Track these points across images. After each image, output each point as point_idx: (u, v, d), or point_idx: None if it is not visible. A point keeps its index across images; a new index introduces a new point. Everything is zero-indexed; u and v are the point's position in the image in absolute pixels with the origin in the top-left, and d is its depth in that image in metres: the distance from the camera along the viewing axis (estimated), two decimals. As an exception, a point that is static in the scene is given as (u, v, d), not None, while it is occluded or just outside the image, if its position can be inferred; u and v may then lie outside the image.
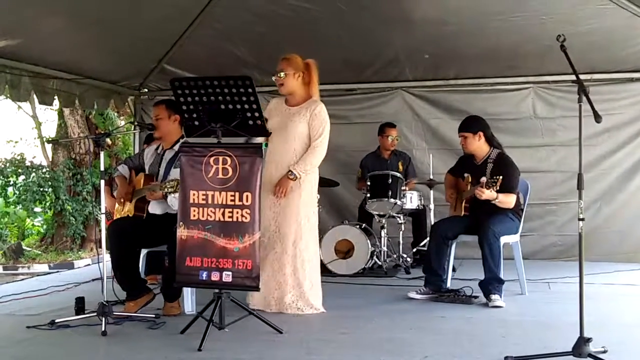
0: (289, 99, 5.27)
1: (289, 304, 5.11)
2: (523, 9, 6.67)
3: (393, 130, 7.79)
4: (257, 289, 4.47)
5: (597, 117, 3.66)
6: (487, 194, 5.35)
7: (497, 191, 5.38)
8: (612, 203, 7.84)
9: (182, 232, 4.46)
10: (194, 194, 4.46)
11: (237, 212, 4.32)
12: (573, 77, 3.83)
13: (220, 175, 4.39)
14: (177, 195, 4.93)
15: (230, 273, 4.34)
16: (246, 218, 4.29)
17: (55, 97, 7.29)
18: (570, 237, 7.73)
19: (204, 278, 4.42)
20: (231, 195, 4.34)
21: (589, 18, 6.69)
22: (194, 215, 4.45)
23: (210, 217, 4.42)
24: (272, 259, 5.14)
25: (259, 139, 4.99)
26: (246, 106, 4.43)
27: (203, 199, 4.43)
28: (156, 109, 5.44)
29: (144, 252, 5.56)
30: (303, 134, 5.16)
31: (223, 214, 4.37)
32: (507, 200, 5.54)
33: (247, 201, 4.32)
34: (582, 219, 3.75)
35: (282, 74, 5.13)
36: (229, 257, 4.34)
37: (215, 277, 4.39)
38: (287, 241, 5.13)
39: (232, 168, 4.37)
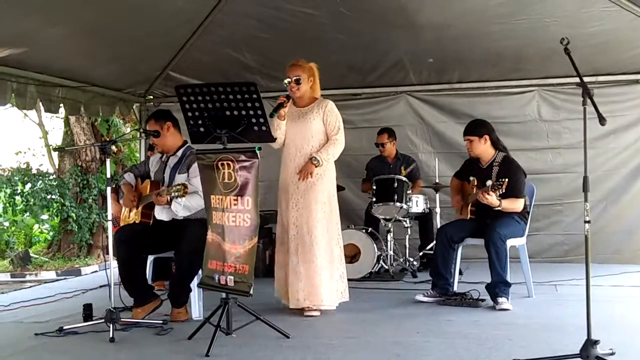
0: (298, 101, 5.43)
1: (321, 300, 5.23)
2: (526, 12, 6.68)
3: (381, 137, 7.79)
4: (248, 294, 4.40)
5: (602, 120, 3.67)
6: (490, 199, 5.36)
7: (503, 194, 5.38)
8: (618, 203, 7.83)
9: (209, 236, 4.54)
10: (213, 199, 4.51)
11: (240, 217, 4.34)
12: (577, 80, 3.84)
13: (226, 180, 4.41)
14: (181, 200, 4.96)
15: (232, 277, 4.36)
16: (247, 222, 4.30)
17: (61, 105, 7.31)
18: (576, 237, 7.72)
19: (217, 281, 4.46)
20: (234, 200, 4.36)
21: (592, 20, 6.69)
22: (214, 219, 4.50)
23: (221, 221, 4.45)
24: (299, 257, 5.26)
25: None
26: (251, 112, 4.45)
27: (218, 204, 4.48)
28: (148, 125, 5.46)
29: (151, 258, 5.58)
30: (320, 131, 5.38)
31: (228, 219, 4.39)
32: (513, 206, 5.54)
33: (247, 205, 4.32)
34: (588, 221, 3.75)
35: (299, 81, 5.31)
36: (232, 262, 4.36)
37: (222, 280, 4.42)
38: (312, 238, 5.25)
39: (234, 172, 4.38)
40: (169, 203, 5.09)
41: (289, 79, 5.31)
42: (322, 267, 5.25)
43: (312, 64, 5.42)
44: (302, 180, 5.28)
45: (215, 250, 4.48)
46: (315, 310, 5.24)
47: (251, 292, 4.30)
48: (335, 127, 5.39)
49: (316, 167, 5.26)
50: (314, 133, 5.36)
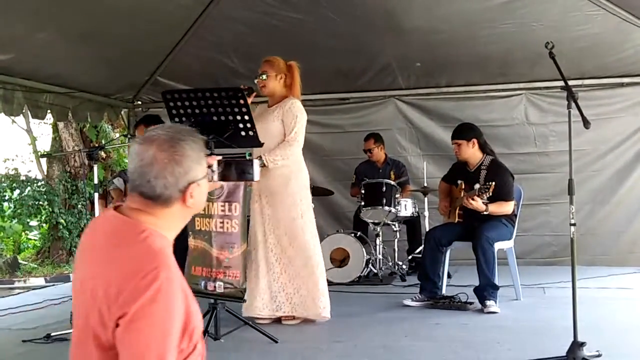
0: (269, 100, 5.25)
1: (290, 308, 5.06)
2: (513, 16, 6.70)
3: (367, 143, 7.80)
4: (242, 300, 4.41)
5: (586, 124, 3.70)
6: (475, 204, 5.39)
7: (492, 197, 5.41)
8: (605, 205, 7.86)
9: (191, 241, 4.50)
10: None
11: (228, 223, 4.34)
12: (563, 83, 3.87)
13: (213, 186, 4.39)
14: None
15: (222, 284, 4.36)
16: (235, 228, 4.30)
17: (49, 111, 7.29)
18: (564, 237, 7.66)
19: (203, 287, 4.45)
20: (222, 206, 4.36)
21: (578, 24, 6.73)
22: (198, 225, 4.48)
23: (207, 227, 4.44)
24: (268, 263, 5.01)
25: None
26: (238, 117, 4.44)
27: (203, 210, 4.45)
28: (137, 130, 5.45)
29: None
30: (279, 132, 5.04)
31: (216, 225, 4.39)
32: (502, 210, 5.57)
33: (235, 211, 4.32)
34: (574, 224, 3.77)
35: (263, 76, 5.10)
36: (221, 268, 4.36)
37: (210, 287, 4.42)
38: (282, 243, 5.02)
39: (222, 179, 4.35)
40: None
41: (257, 77, 5.10)
42: (290, 274, 5.04)
43: (292, 62, 5.21)
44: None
45: (200, 256, 4.47)
46: (298, 319, 5.12)
47: (245, 297, 4.31)
48: (291, 127, 5.00)
49: (260, 167, 4.71)
50: (273, 135, 4.98)
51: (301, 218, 5.07)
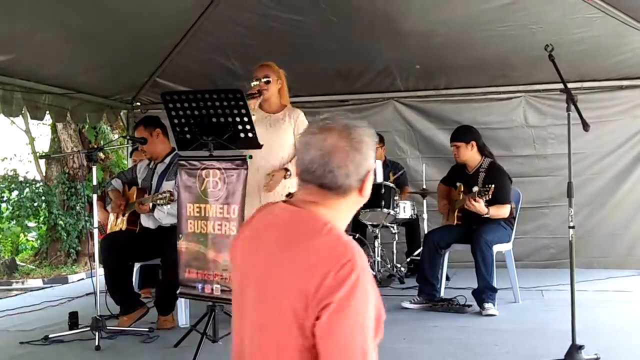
0: (265, 105, 5.06)
1: None
2: (512, 19, 6.69)
3: None
4: None
5: (585, 126, 3.70)
6: (477, 207, 5.39)
7: (489, 200, 5.42)
8: (603, 207, 7.84)
9: (181, 244, 4.48)
10: (189, 207, 4.47)
11: (226, 225, 4.32)
12: (562, 86, 3.87)
13: (211, 188, 4.40)
14: (165, 207, 4.95)
15: (219, 286, 4.34)
16: (233, 231, 4.28)
17: (47, 112, 7.28)
18: (562, 240, 7.65)
19: (200, 290, 4.43)
20: (220, 208, 4.35)
21: (578, 27, 6.73)
22: (191, 228, 4.47)
23: (204, 229, 4.43)
24: None
25: (243, 151, 4.76)
26: (237, 119, 4.42)
27: (197, 212, 4.44)
28: (137, 131, 5.45)
29: (137, 265, 5.56)
30: (290, 143, 4.98)
31: (214, 227, 4.38)
32: (500, 213, 5.57)
33: (233, 214, 4.30)
34: (573, 227, 3.78)
35: (266, 79, 5.00)
36: (218, 271, 4.35)
37: (208, 289, 4.40)
38: None
39: (221, 181, 4.37)
40: (152, 210, 5.07)
41: (257, 81, 4.98)
42: None
43: (281, 70, 5.14)
44: (267, 192, 4.82)
45: (193, 259, 4.44)
46: None
47: None
48: None
49: (285, 178, 4.84)
50: (284, 143, 4.95)
51: None
